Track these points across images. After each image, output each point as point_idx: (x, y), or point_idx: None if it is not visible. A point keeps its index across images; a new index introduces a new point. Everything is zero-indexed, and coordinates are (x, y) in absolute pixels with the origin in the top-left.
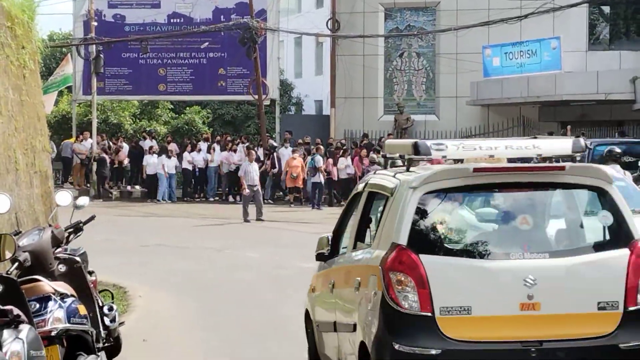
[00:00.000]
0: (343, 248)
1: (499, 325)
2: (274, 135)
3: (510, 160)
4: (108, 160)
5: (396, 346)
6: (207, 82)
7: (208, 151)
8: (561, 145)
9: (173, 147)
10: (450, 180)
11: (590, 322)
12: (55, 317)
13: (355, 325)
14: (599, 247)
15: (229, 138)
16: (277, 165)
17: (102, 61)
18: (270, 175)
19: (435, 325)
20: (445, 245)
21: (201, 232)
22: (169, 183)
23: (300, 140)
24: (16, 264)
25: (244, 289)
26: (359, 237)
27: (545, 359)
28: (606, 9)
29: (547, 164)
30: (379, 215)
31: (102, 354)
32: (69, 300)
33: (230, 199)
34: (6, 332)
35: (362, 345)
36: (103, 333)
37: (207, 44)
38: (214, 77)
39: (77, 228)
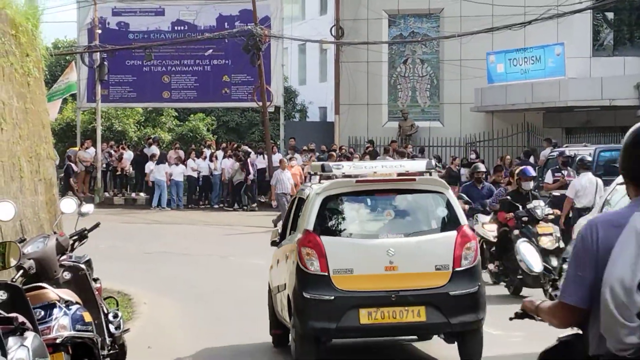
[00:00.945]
0: (287, 236)
1: (371, 281)
2: (278, 142)
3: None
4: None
5: (306, 295)
6: (211, 89)
7: (211, 159)
8: (419, 165)
9: (180, 153)
10: (341, 188)
11: (431, 278)
12: (60, 325)
13: (286, 285)
14: (437, 229)
15: (235, 145)
16: (251, 172)
17: (107, 69)
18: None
19: (330, 281)
20: (337, 229)
21: (206, 239)
22: (176, 191)
23: (305, 147)
24: (21, 271)
25: (248, 296)
26: (292, 227)
27: (401, 301)
28: (610, 15)
29: (403, 177)
30: (302, 213)
31: None
32: (74, 307)
33: (236, 205)
34: (11, 340)
35: (288, 297)
36: (108, 340)
37: (211, 51)
38: (218, 84)
39: (81, 235)
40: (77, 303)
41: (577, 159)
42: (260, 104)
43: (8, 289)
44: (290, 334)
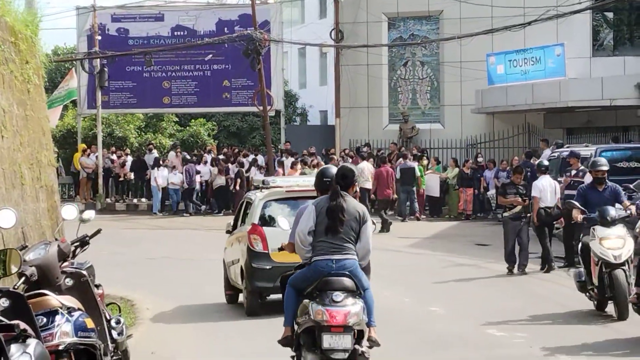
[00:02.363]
0: (238, 227)
1: (295, 256)
2: (279, 147)
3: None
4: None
5: (254, 265)
6: (211, 94)
7: (212, 164)
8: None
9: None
10: (276, 195)
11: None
12: (63, 331)
13: (239, 259)
14: None
15: (235, 150)
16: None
17: (107, 75)
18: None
19: (269, 256)
20: (272, 222)
21: (208, 244)
22: (181, 196)
23: (305, 151)
24: (23, 278)
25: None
26: (242, 221)
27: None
28: (610, 15)
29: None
30: (249, 211)
31: None
32: (76, 314)
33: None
34: (14, 347)
35: (242, 267)
36: (111, 346)
37: (211, 56)
38: (219, 89)
39: (83, 242)
40: (79, 309)
41: (536, 163)
42: (261, 108)
43: (10, 296)
44: (242, 293)
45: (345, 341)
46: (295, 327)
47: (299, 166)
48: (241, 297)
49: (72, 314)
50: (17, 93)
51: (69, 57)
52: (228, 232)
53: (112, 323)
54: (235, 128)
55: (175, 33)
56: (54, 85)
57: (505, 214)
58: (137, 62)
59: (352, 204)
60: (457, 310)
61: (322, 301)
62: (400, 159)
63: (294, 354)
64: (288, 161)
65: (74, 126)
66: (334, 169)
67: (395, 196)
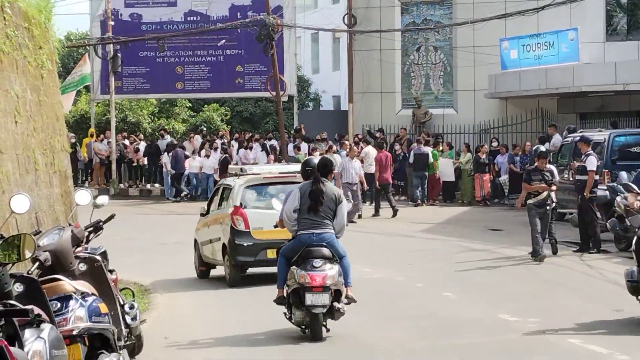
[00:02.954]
0: (211, 211)
1: (271, 233)
2: (292, 131)
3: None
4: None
5: (237, 242)
6: (224, 79)
7: (225, 150)
8: (296, 167)
9: (195, 145)
10: (254, 181)
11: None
12: (77, 316)
13: (220, 237)
14: None
15: (247, 135)
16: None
17: (120, 60)
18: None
19: (250, 234)
20: (252, 205)
21: None
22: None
23: (318, 136)
24: (37, 263)
25: (264, 285)
26: (219, 205)
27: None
28: (623, 0)
29: (287, 174)
30: (228, 195)
31: (124, 352)
32: (90, 299)
33: None
34: (28, 332)
35: (224, 244)
36: (124, 331)
37: (224, 41)
38: (232, 74)
39: (96, 227)
40: (93, 294)
41: (534, 148)
42: (274, 93)
43: (24, 281)
44: (214, 269)
45: (323, 298)
46: (286, 288)
47: (317, 153)
48: (213, 272)
49: (86, 299)
50: (31, 78)
51: (82, 43)
52: (202, 214)
53: (126, 308)
54: (248, 113)
55: (189, 18)
56: (67, 71)
57: (530, 201)
58: (150, 48)
59: (330, 187)
60: (470, 295)
61: (304, 267)
62: (414, 144)
63: (286, 311)
64: (304, 146)
65: (87, 112)
66: (315, 160)
67: (394, 181)
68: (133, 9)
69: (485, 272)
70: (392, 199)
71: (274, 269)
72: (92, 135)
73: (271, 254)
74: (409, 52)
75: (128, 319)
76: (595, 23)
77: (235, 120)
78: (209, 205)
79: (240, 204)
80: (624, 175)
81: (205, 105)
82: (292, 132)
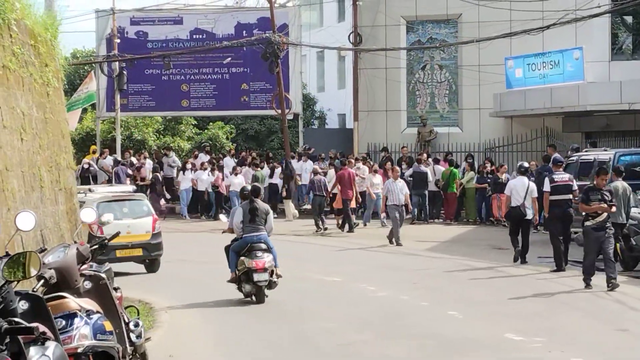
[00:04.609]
0: None
1: (123, 238)
2: (297, 150)
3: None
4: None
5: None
6: (230, 97)
7: (233, 172)
8: (131, 187)
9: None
10: (105, 199)
11: (145, 236)
12: (82, 334)
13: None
14: (143, 216)
15: (254, 154)
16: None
17: (125, 78)
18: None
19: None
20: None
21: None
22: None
23: (329, 154)
24: (42, 281)
25: (267, 303)
26: None
27: (132, 246)
28: (629, 19)
29: (129, 194)
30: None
31: None
32: (94, 316)
33: None
34: (33, 350)
35: None
36: (129, 349)
37: (229, 59)
38: (237, 92)
39: (102, 245)
40: (97, 312)
41: (517, 165)
42: (279, 111)
43: (29, 299)
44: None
45: (265, 276)
46: (237, 272)
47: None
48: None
49: (91, 316)
50: (37, 96)
51: (88, 60)
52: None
53: (131, 326)
54: (253, 131)
55: (194, 36)
56: (73, 88)
57: (587, 223)
58: (156, 65)
59: (261, 204)
60: (475, 314)
61: (250, 257)
62: (415, 163)
63: (237, 286)
64: (308, 165)
65: (92, 129)
66: (249, 187)
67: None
68: (139, 26)
69: (490, 291)
70: (350, 214)
71: None
72: (93, 152)
73: (119, 253)
74: (415, 70)
75: (133, 336)
76: (600, 42)
77: (241, 138)
78: None
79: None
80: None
81: (211, 123)
82: (298, 151)
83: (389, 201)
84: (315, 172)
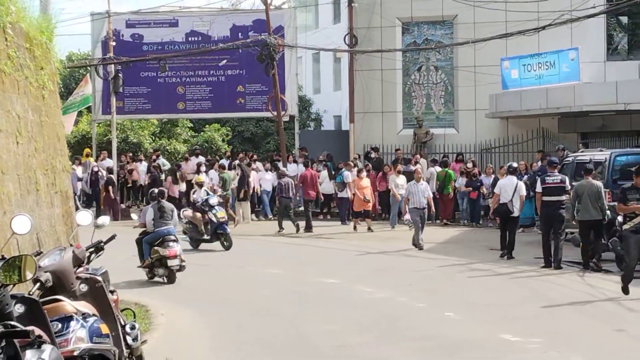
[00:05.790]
0: None
1: None
2: (293, 152)
3: None
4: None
5: None
6: (225, 99)
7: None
8: None
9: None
10: None
11: None
12: (78, 337)
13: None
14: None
15: (254, 157)
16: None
17: (121, 81)
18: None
19: None
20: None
21: (221, 250)
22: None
23: (320, 156)
24: (38, 284)
25: (266, 305)
26: None
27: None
28: (624, 19)
29: None
30: None
31: None
32: (91, 319)
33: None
34: (29, 353)
35: None
36: (126, 352)
37: (225, 61)
38: (233, 94)
39: (98, 247)
40: (94, 315)
41: (507, 165)
42: (275, 113)
43: (25, 302)
44: None
45: (177, 262)
46: (150, 259)
47: (364, 173)
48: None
49: (87, 319)
50: (32, 99)
51: (84, 63)
52: None
53: (127, 329)
54: (249, 133)
55: (190, 39)
56: (69, 92)
57: (625, 226)
58: (152, 68)
59: (167, 204)
60: (471, 315)
61: (163, 247)
62: (404, 163)
63: (147, 270)
64: (301, 168)
65: (88, 132)
66: (156, 190)
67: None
68: (134, 29)
69: (487, 291)
70: (310, 216)
71: None
72: (87, 155)
73: None
74: (410, 71)
75: (129, 339)
76: (596, 43)
77: (237, 140)
78: None
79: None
80: None
81: (207, 126)
82: (293, 151)
83: (410, 204)
84: (282, 175)
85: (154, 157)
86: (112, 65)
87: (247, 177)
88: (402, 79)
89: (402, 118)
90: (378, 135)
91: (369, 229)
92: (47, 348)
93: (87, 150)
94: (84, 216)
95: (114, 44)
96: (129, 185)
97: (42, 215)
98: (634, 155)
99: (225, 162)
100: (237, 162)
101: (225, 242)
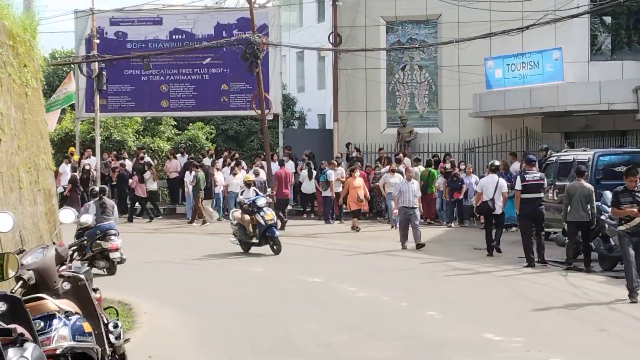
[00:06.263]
0: None
1: None
2: (277, 150)
3: None
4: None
5: None
6: (209, 97)
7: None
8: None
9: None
10: None
11: None
12: (60, 335)
13: None
14: None
15: (236, 155)
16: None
17: (105, 78)
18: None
19: None
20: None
21: (205, 248)
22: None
23: (304, 155)
24: (20, 282)
25: (249, 304)
26: None
27: None
28: (608, 20)
29: None
30: None
31: None
32: (73, 318)
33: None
34: (11, 351)
35: None
36: (108, 350)
37: (209, 59)
38: (217, 92)
39: (81, 246)
40: (76, 313)
41: (489, 163)
42: (259, 112)
43: (7, 300)
44: None
45: (118, 254)
46: (92, 252)
47: (357, 173)
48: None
49: (70, 318)
50: (15, 96)
51: (67, 61)
52: None
53: (110, 327)
54: (233, 132)
55: (174, 37)
56: (52, 89)
57: (621, 228)
58: (135, 66)
59: (108, 201)
60: (454, 314)
61: (105, 240)
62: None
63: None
64: (290, 165)
65: (72, 130)
66: (97, 188)
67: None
68: (118, 27)
69: (470, 291)
70: (285, 215)
71: None
72: (72, 154)
73: None
74: (394, 71)
75: (112, 337)
76: (579, 43)
77: (220, 138)
78: None
79: None
80: (608, 194)
81: (190, 124)
82: (278, 150)
83: (399, 203)
84: (255, 174)
85: (140, 154)
86: (96, 63)
87: (209, 175)
88: (386, 78)
89: (386, 117)
90: (362, 134)
91: (355, 227)
92: (30, 346)
93: (71, 148)
94: (67, 214)
95: (97, 41)
96: (113, 183)
97: (25, 213)
98: (617, 155)
99: (207, 160)
100: (200, 161)
101: (274, 246)
